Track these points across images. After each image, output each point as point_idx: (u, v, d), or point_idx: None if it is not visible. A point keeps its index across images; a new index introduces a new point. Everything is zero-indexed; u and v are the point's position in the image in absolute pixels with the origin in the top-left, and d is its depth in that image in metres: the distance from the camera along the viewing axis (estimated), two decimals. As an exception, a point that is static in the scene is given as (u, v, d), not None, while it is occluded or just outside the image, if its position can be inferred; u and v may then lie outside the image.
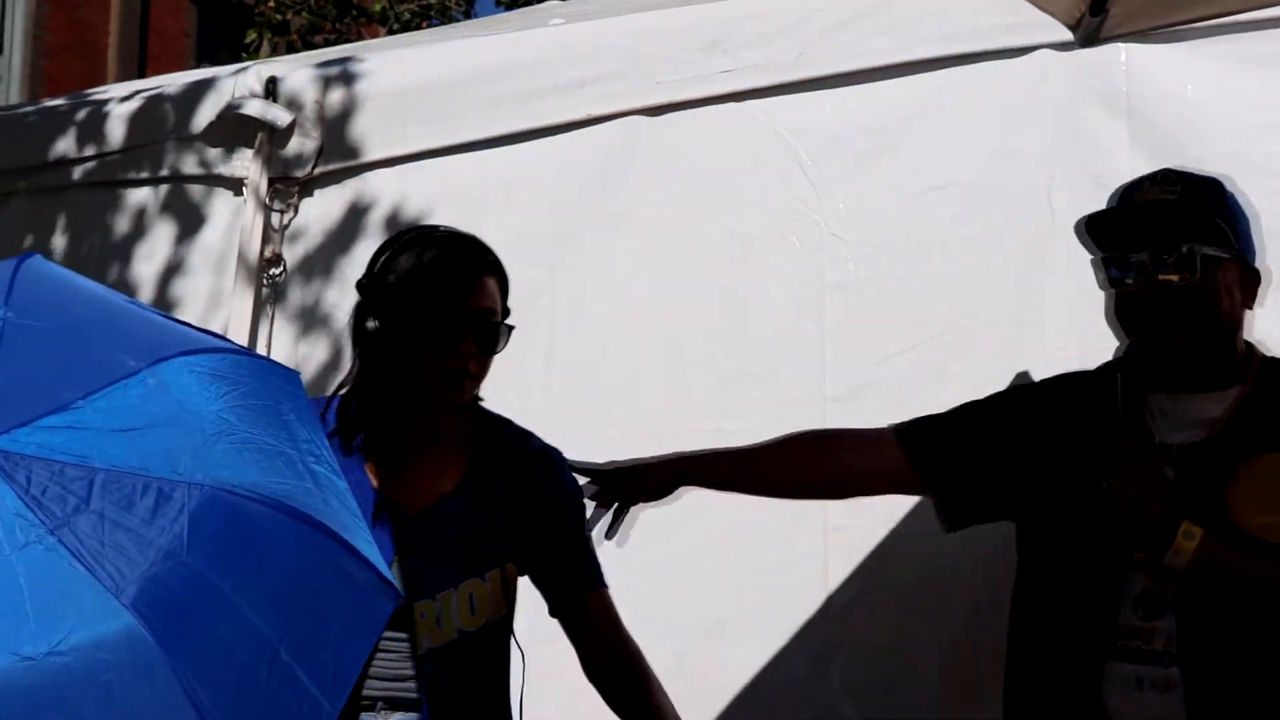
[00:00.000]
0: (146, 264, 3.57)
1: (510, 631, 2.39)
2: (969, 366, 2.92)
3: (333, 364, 3.31)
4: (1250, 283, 2.27)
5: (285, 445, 1.83)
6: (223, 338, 2.00)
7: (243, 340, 3.29)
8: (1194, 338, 2.20)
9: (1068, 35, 2.86)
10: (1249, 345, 2.30)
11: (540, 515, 2.39)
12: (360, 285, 2.40)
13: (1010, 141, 3.01)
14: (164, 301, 3.48)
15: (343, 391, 2.40)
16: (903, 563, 2.91)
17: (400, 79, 3.47)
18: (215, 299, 3.44)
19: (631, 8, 3.56)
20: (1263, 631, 2.10)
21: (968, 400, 2.50)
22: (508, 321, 2.36)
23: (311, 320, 3.37)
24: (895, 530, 2.92)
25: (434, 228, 2.44)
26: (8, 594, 1.52)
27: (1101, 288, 2.32)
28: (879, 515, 2.97)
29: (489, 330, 2.32)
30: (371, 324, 2.34)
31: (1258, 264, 2.29)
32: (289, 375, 1.99)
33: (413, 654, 2.29)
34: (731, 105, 3.21)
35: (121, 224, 3.63)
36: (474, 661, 2.34)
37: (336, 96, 3.43)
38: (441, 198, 3.33)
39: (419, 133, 3.40)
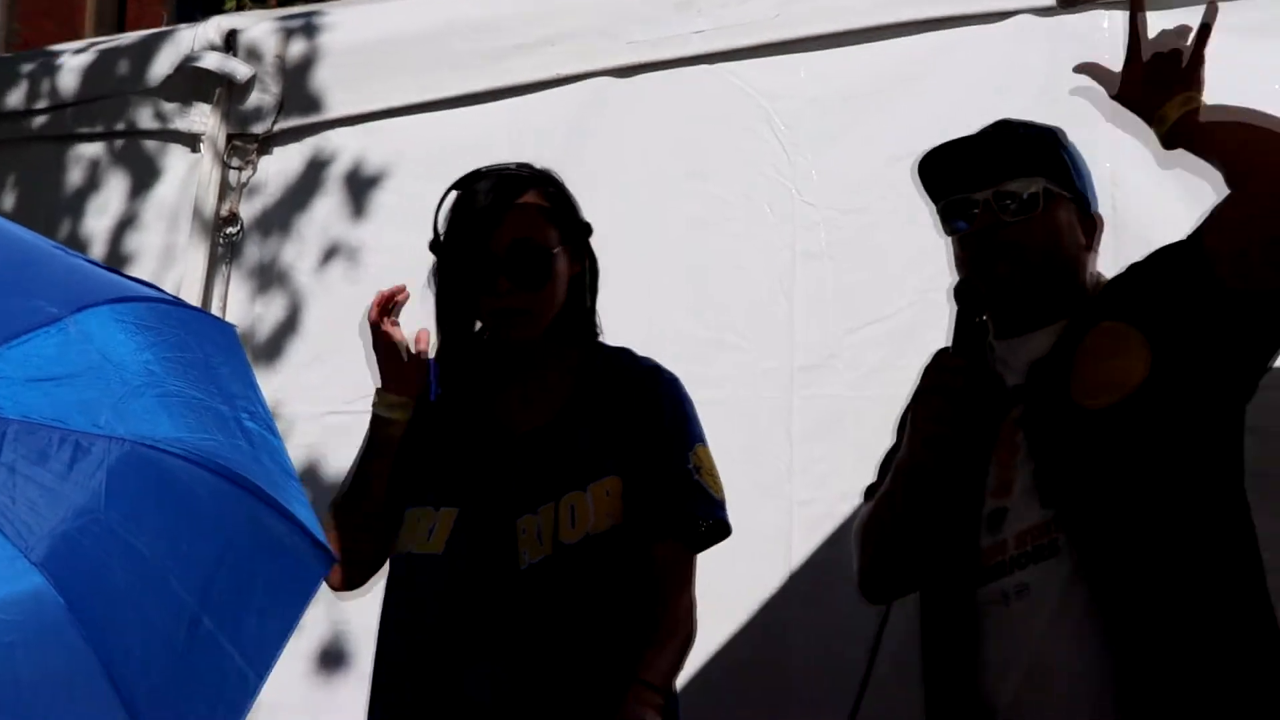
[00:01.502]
0: (100, 219, 3.48)
1: (625, 548, 2.28)
2: (940, 337, 2.80)
3: (289, 323, 3.24)
4: (1090, 228, 2.24)
5: (216, 401, 1.74)
6: (154, 286, 1.91)
7: (196, 298, 3.20)
8: (1024, 270, 2.14)
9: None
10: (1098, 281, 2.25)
11: (637, 435, 2.31)
12: (430, 244, 2.37)
13: (988, 108, 2.88)
14: (116, 256, 3.40)
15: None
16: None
17: (364, 34, 3.38)
18: (168, 255, 3.36)
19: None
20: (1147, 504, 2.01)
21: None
22: (564, 245, 2.31)
23: (268, 278, 3.29)
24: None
25: (478, 170, 2.38)
26: (-95, 551, 1.44)
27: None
28: (846, 491, 2.88)
29: (524, 262, 2.25)
30: (434, 280, 2.36)
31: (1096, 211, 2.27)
32: (223, 328, 1.91)
33: (514, 571, 2.24)
34: (704, 67, 3.13)
35: (75, 178, 3.54)
36: (578, 576, 2.25)
37: (298, 51, 3.34)
38: (406, 157, 3.25)
39: (383, 90, 3.32)
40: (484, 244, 2.25)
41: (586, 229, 2.36)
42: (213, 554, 1.63)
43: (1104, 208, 2.80)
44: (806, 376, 2.91)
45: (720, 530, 2.35)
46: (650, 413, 2.32)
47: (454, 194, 2.35)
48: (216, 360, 1.80)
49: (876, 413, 2.87)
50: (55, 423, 1.59)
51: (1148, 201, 2.78)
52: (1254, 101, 2.76)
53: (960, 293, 2.16)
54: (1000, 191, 2.15)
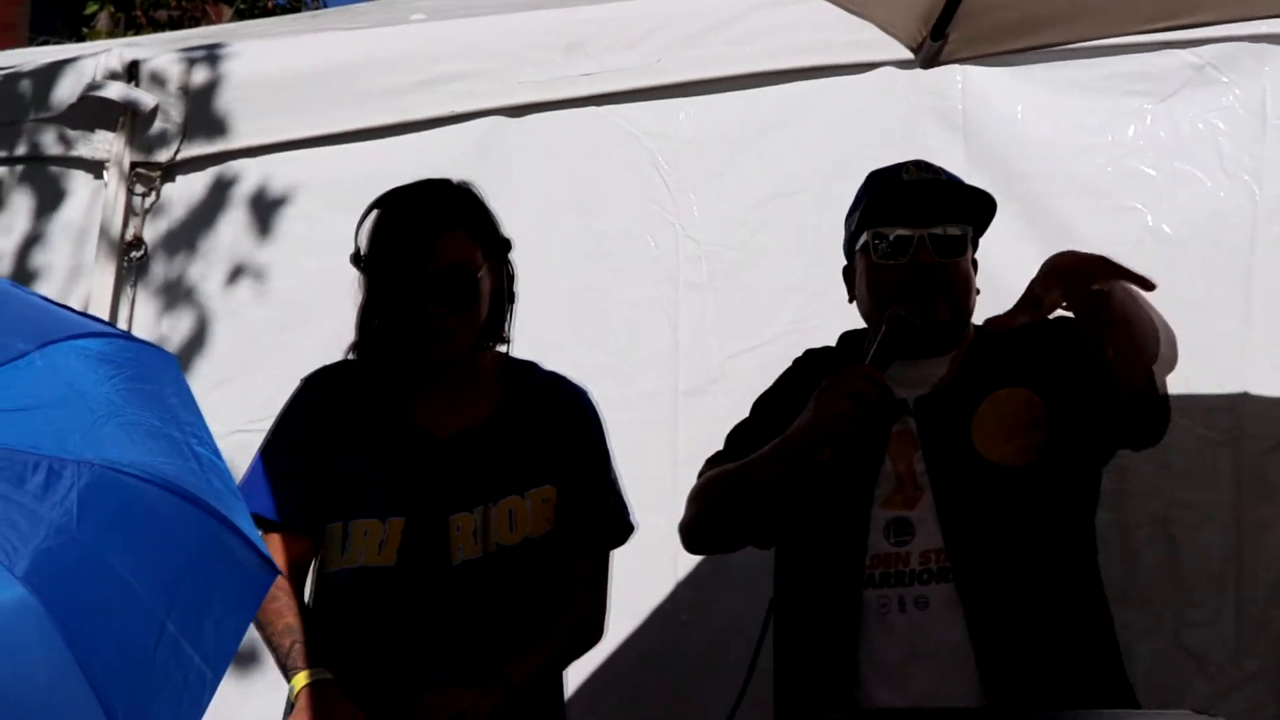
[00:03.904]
0: (5, 237, 3.55)
1: (556, 553, 2.45)
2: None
3: (195, 340, 3.36)
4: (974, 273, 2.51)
5: (170, 428, 1.90)
6: (106, 322, 2.06)
7: (103, 316, 3.30)
8: (954, 310, 2.43)
9: (910, 54, 3.03)
10: None
11: (569, 450, 2.48)
12: (351, 258, 2.47)
13: (854, 153, 3.14)
14: (21, 276, 3.47)
15: (350, 358, 2.48)
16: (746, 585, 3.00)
17: (267, 67, 3.50)
18: (75, 274, 3.44)
19: (494, 7, 3.65)
20: (1024, 530, 2.31)
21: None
22: (487, 262, 2.42)
23: (174, 297, 3.40)
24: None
25: (397, 190, 2.49)
26: (-97, 564, 1.58)
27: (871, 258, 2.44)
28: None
29: (456, 286, 2.38)
30: (359, 294, 2.45)
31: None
32: (169, 360, 2.06)
33: (446, 568, 2.36)
34: (591, 109, 3.33)
35: (-22, 200, 3.61)
36: (513, 578, 2.40)
37: (201, 80, 3.45)
38: (306, 187, 3.38)
39: (284, 122, 3.44)
40: (417, 267, 2.36)
41: (507, 245, 2.50)
42: (176, 567, 1.78)
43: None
44: (689, 400, 3.13)
45: (631, 530, 2.58)
46: (581, 430, 2.52)
47: (377, 211, 2.46)
48: (168, 391, 1.95)
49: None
50: (30, 449, 1.73)
51: (997, 244, 3.04)
52: (1067, 151, 3.07)
53: (896, 321, 2.37)
54: (934, 231, 2.40)
